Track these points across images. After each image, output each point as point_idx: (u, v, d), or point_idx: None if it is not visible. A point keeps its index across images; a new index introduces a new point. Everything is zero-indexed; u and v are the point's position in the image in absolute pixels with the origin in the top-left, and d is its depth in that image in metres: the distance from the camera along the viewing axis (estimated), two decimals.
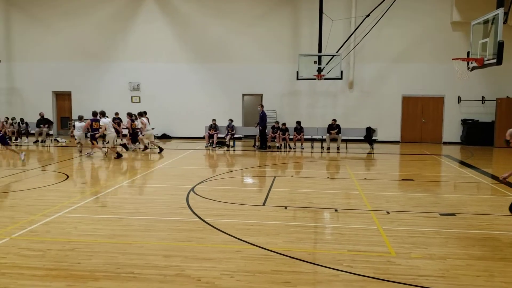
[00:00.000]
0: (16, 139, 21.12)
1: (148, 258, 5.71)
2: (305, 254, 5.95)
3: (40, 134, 21.07)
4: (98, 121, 15.94)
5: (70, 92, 23.85)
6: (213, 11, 22.50)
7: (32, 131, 21.41)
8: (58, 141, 21.18)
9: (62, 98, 24.37)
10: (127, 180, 11.56)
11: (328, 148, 19.04)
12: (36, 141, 20.77)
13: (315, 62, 19.66)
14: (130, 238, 6.56)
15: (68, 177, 11.80)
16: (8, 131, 20.95)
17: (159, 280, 5.04)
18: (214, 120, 20.11)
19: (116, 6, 23.02)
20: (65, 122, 24.38)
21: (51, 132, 21.97)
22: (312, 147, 19.79)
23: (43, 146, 19.70)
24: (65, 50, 23.44)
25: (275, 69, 22.41)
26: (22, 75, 24.01)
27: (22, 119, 21.91)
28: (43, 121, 21.26)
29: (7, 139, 15.63)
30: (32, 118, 22.17)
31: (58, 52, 23.48)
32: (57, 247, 6.11)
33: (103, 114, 16.35)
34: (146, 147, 18.23)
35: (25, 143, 20.59)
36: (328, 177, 12.40)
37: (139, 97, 23.27)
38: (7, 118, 21.61)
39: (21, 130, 21.46)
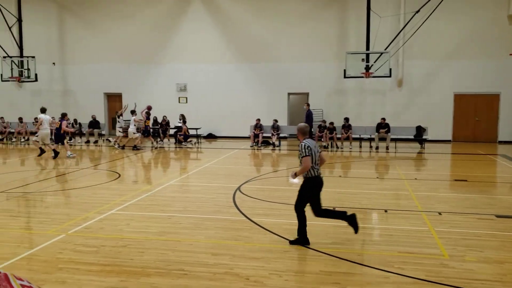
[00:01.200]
0: (70, 139, 22.02)
1: (197, 256, 5.79)
2: (354, 255, 5.86)
3: (92, 134, 21.88)
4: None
5: (121, 93, 24.60)
6: (258, 10, 22.58)
7: (85, 132, 22.27)
8: (109, 141, 21.90)
9: (113, 99, 25.18)
10: (175, 179, 11.79)
11: (377, 148, 18.65)
12: (88, 141, 21.58)
13: (362, 60, 19.32)
14: (179, 236, 6.68)
15: (119, 175, 12.16)
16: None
17: (209, 278, 5.10)
18: (258, 119, 20.17)
19: (164, 10, 23.54)
20: (115, 122, 25.20)
21: (103, 132, 22.76)
22: (360, 147, 19.45)
23: (96, 145, 20.42)
24: (115, 52, 24.20)
25: (321, 68, 22.20)
26: (75, 77, 24.99)
27: (75, 120, 22.81)
28: (94, 123, 22.10)
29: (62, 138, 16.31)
30: (84, 119, 23.02)
31: (109, 54, 24.28)
32: (110, 243, 6.30)
33: (42, 110, 16.27)
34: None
35: (78, 143, 21.42)
36: (377, 177, 12.15)
37: (186, 97, 23.70)
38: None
39: (75, 130, 22.36)
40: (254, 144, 19.58)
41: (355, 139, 19.77)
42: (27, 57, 23.14)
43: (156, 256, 5.78)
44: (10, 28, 23.12)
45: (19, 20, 23.81)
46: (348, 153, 17.69)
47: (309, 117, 18.72)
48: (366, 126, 20.27)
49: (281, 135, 20.16)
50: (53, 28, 24.80)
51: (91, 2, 24.20)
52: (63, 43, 24.92)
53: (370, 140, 19.72)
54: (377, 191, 10.11)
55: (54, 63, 24.81)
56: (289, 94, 22.94)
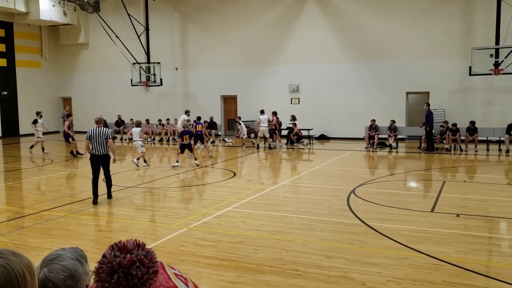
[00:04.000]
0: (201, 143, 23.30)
1: (311, 257, 5.75)
2: (480, 266, 5.37)
3: (210, 135, 22.97)
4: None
5: (236, 95, 25.50)
6: (374, 7, 21.86)
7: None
8: (225, 141, 22.81)
9: (229, 101, 26.20)
10: (287, 179, 11.88)
11: (507, 151, 16.94)
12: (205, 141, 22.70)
13: (491, 55, 17.71)
14: (292, 236, 6.70)
15: (234, 174, 12.59)
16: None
17: (323, 280, 5.03)
18: (373, 120, 19.50)
19: (279, 12, 23.90)
20: (231, 123, 26.15)
21: (219, 133, 23.78)
22: (488, 150, 17.83)
23: (213, 145, 21.40)
24: (231, 56, 25.14)
25: (443, 65, 20.78)
26: (195, 81, 26.45)
27: (195, 121, 24.13)
28: (212, 124, 23.18)
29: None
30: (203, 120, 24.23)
31: (225, 58, 25.30)
32: (227, 239, 6.53)
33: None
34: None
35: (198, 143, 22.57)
36: (508, 183, 11.03)
37: (298, 98, 23.79)
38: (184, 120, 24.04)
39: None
40: (369, 145, 18.97)
41: (481, 141, 18.15)
42: (154, 63, 25.04)
43: (270, 255, 5.85)
44: (139, 37, 25.21)
45: (147, 29, 25.86)
46: (473, 156, 16.34)
47: (429, 117, 17.63)
48: (494, 128, 18.52)
49: (398, 136, 19.25)
50: (176, 36, 26.54)
51: (210, 9, 25.44)
52: (185, 49, 26.53)
53: (499, 142, 17.95)
54: (508, 198, 9.17)
55: (177, 68, 26.52)
56: (407, 93, 21.84)
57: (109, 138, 8.90)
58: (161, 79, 24.70)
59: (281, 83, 24.03)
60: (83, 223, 7.70)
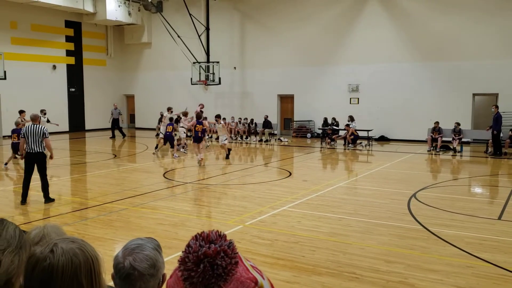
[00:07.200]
0: (246, 138, 23.50)
1: (369, 261, 5.60)
2: None
3: (263, 134, 23.04)
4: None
5: (293, 95, 25.40)
6: (439, 5, 21.00)
7: (259, 131, 23.55)
8: (281, 141, 22.78)
9: (286, 101, 26.14)
10: (344, 181, 11.66)
11: None
12: (260, 140, 22.76)
13: None
14: (350, 238, 6.56)
15: (290, 174, 12.53)
16: (240, 130, 23.52)
17: (382, 285, 4.88)
18: (437, 122, 18.74)
19: (339, 11, 23.54)
20: (287, 123, 26.09)
21: (274, 132, 23.78)
22: None
23: (267, 144, 21.43)
24: (289, 55, 25.06)
25: None
26: (252, 80, 26.60)
27: (252, 120, 24.29)
28: (267, 123, 23.23)
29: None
30: (260, 119, 24.34)
31: (283, 57, 25.26)
32: (283, 238, 6.50)
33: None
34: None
35: (253, 141, 22.73)
36: None
37: (358, 98, 23.33)
38: (240, 119, 24.26)
39: (251, 129, 23.81)
40: (432, 148, 18.26)
41: None
42: (213, 62, 25.47)
43: (327, 256, 5.76)
44: (199, 36, 25.74)
45: (207, 29, 26.34)
46: None
47: (497, 120, 16.70)
48: None
49: (463, 139, 18.39)
50: (235, 35, 26.83)
51: (269, 8, 25.49)
52: (243, 48, 26.77)
53: None
54: None
55: (235, 67, 26.82)
56: (474, 94, 20.82)
57: (46, 136, 8.66)
58: (219, 78, 25.05)
59: (339, 82, 23.65)
60: (144, 216, 7.94)
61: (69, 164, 14.74)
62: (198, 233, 1.54)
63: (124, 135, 23.20)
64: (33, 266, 1.35)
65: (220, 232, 1.56)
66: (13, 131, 13.93)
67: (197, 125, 14.21)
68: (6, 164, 13.21)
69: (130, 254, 1.64)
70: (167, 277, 1.66)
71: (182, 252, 1.52)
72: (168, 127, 16.20)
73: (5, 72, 18.90)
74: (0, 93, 22.57)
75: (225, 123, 18.32)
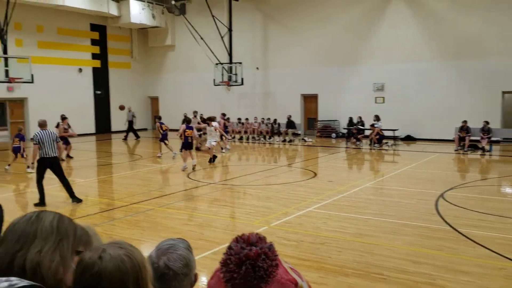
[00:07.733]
0: (269, 138, 23.48)
1: (396, 261, 5.53)
2: None
3: (287, 134, 22.97)
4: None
5: (317, 94, 25.26)
6: (467, 2, 20.58)
7: (282, 131, 23.50)
8: (305, 141, 22.68)
9: (309, 101, 26.01)
10: (370, 181, 11.54)
11: None
12: (284, 140, 22.70)
13: None
14: (377, 239, 6.49)
15: (315, 174, 12.46)
16: (263, 130, 23.53)
17: (410, 286, 4.81)
18: (465, 121, 18.36)
19: (362, 10, 23.31)
20: (311, 122, 25.96)
21: (298, 132, 23.68)
22: None
23: (291, 144, 21.35)
24: (312, 55, 24.93)
25: None
26: (275, 80, 26.57)
27: (275, 120, 24.25)
28: (290, 123, 23.14)
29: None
30: (283, 119, 24.27)
31: (306, 57, 25.14)
32: (309, 239, 6.47)
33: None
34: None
35: (277, 141, 22.69)
36: None
37: (383, 97, 23.04)
38: (263, 119, 24.26)
39: (274, 130, 23.78)
40: (459, 147, 17.90)
41: None
42: (235, 63, 25.53)
43: (353, 257, 5.71)
44: (222, 38, 25.84)
45: (230, 30, 26.41)
46: None
47: None
48: None
49: (492, 138, 17.96)
50: (257, 35, 26.85)
51: (291, 8, 25.43)
52: (265, 48, 26.77)
53: None
54: None
55: (257, 68, 26.84)
56: (503, 92, 20.31)
57: (58, 141, 9.02)
58: (242, 79, 25.10)
59: (364, 81, 23.41)
60: (170, 216, 8.02)
61: (96, 165, 15.00)
62: (239, 235, 1.56)
63: (137, 136, 23.71)
64: (81, 272, 1.37)
65: (260, 234, 1.57)
66: (16, 136, 13.79)
67: (187, 130, 13.06)
68: (9, 165, 13.24)
69: (164, 254, 1.66)
70: (199, 277, 1.67)
71: (224, 254, 1.53)
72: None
73: (32, 75, 19.35)
74: (27, 96, 23.14)
75: (228, 122, 17.88)
